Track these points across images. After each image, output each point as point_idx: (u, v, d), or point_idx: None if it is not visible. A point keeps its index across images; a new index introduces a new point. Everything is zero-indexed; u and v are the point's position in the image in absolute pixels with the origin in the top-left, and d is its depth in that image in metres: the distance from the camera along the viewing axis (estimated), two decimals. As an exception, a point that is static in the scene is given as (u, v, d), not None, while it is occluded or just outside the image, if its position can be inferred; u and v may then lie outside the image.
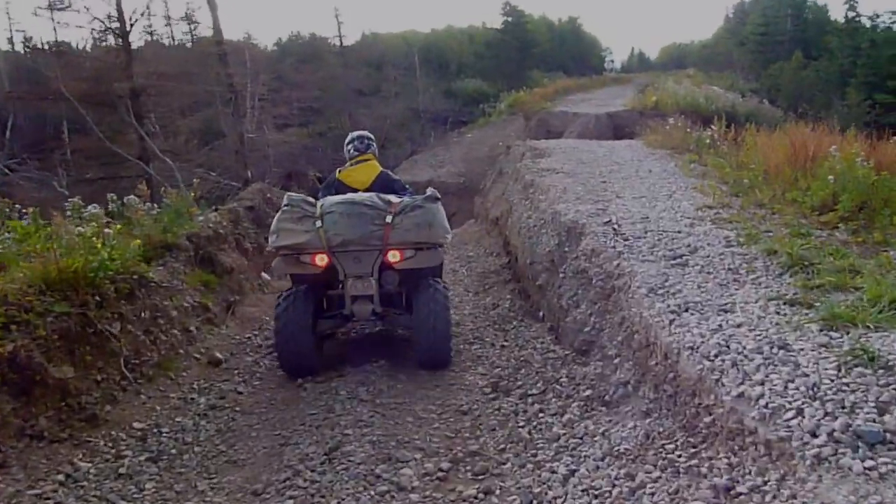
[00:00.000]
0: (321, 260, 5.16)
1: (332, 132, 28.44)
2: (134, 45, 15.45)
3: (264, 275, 8.45)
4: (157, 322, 5.35)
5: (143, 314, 5.13)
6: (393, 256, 5.21)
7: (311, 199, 5.40)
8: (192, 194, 7.71)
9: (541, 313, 6.51)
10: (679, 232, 5.76)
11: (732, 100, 20.39)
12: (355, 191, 5.73)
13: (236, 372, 5.63)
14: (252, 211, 8.74)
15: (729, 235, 5.50)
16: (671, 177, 8.82)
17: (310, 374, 5.28)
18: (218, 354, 5.80)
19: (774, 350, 3.24)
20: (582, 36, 55.05)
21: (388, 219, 5.17)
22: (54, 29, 30.84)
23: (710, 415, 3.09)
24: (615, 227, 6.08)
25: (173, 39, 34.84)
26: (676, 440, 3.27)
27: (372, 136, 6.30)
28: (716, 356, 3.29)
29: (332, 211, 5.16)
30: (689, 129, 12.04)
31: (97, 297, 4.47)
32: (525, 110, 23.74)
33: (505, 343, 6.13)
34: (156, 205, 7.61)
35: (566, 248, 6.32)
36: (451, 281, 9.33)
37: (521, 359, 5.49)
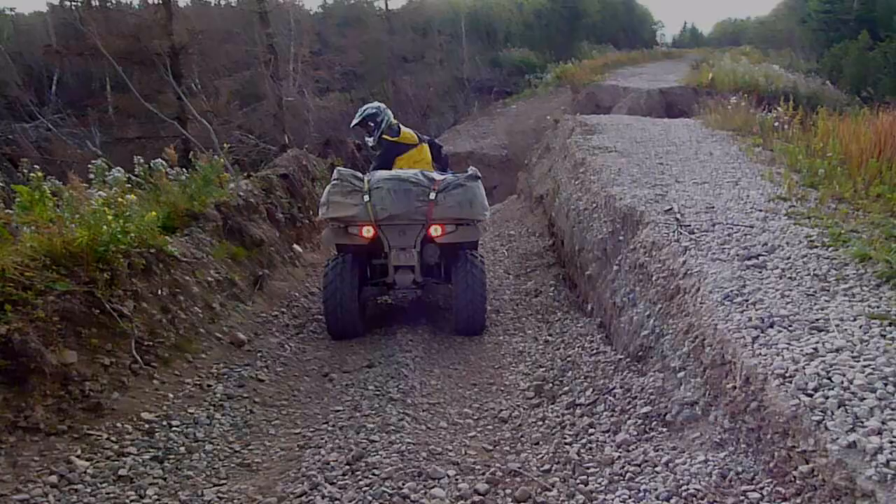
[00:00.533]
0: (368, 232, 5.52)
1: (375, 99, 27.85)
2: (180, 2, 15.13)
3: (296, 247, 8.04)
4: (176, 299, 4.95)
5: (160, 291, 4.73)
6: (435, 231, 5.55)
7: (359, 175, 5.69)
8: (221, 160, 7.26)
9: (589, 306, 5.97)
10: (751, 226, 5.12)
11: (794, 80, 19.19)
12: (414, 146, 6.34)
13: (259, 355, 5.23)
14: (286, 179, 8.31)
15: (810, 234, 4.85)
16: (735, 161, 8.10)
17: (354, 337, 5.62)
18: (241, 335, 5.40)
19: (890, 389, 2.66)
20: (634, 8, 52.97)
21: (432, 196, 5.45)
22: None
23: (808, 463, 2.54)
24: (678, 216, 5.47)
25: (220, -2, 34.26)
26: (761, 487, 2.73)
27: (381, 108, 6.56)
28: (815, 390, 2.73)
29: (380, 187, 5.48)
30: (752, 110, 11.19)
31: (107, 274, 4.06)
32: (573, 83, 22.78)
33: (549, 338, 5.62)
34: (185, 169, 7.22)
35: (621, 237, 5.74)
36: (491, 261, 8.84)
37: (568, 359, 4.97)
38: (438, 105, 28.33)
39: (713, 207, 5.80)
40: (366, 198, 5.42)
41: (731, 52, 33.35)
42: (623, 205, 6.01)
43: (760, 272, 4.16)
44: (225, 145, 7.60)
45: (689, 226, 5.22)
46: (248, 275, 6.49)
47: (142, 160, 6.44)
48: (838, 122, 8.83)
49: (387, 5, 33.76)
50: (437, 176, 5.65)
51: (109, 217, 4.08)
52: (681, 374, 3.80)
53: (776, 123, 10.18)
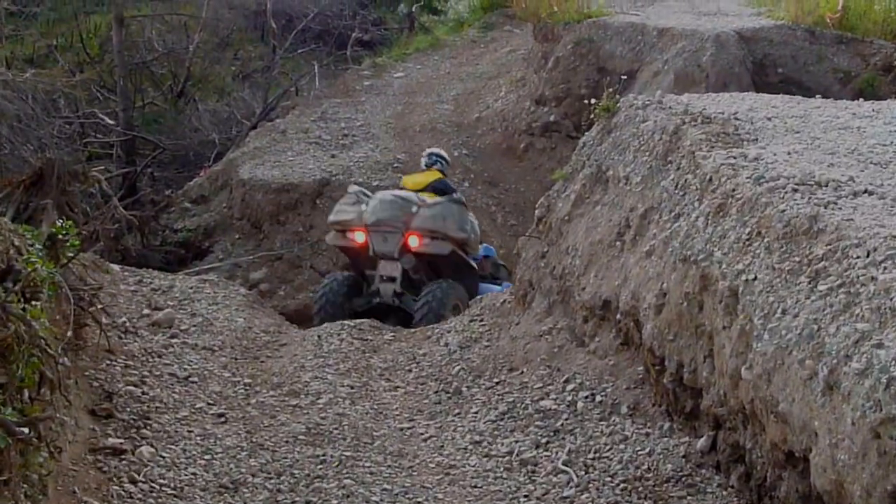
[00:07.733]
0: (360, 236, 12.46)
1: (66, 55, 25.55)
2: None
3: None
4: None
5: None
6: (412, 241, 12.19)
7: (367, 192, 13.39)
8: None
9: None
10: None
11: None
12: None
13: None
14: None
15: None
16: None
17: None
18: None
19: None
20: None
21: (414, 209, 12.28)
22: None
23: None
24: None
25: None
26: None
27: (443, 155, 14.64)
28: None
29: (377, 199, 12.74)
30: None
31: None
32: (536, 19, 20.07)
33: None
34: None
35: None
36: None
37: None
38: (207, 71, 25.93)
39: None
40: (363, 207, 12.55)
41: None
42: None
43: None
44: None
45: None
46: None
47: None
48: None
49: None
50: (429, 200, 12.61)
51: None
52: None
53: None
